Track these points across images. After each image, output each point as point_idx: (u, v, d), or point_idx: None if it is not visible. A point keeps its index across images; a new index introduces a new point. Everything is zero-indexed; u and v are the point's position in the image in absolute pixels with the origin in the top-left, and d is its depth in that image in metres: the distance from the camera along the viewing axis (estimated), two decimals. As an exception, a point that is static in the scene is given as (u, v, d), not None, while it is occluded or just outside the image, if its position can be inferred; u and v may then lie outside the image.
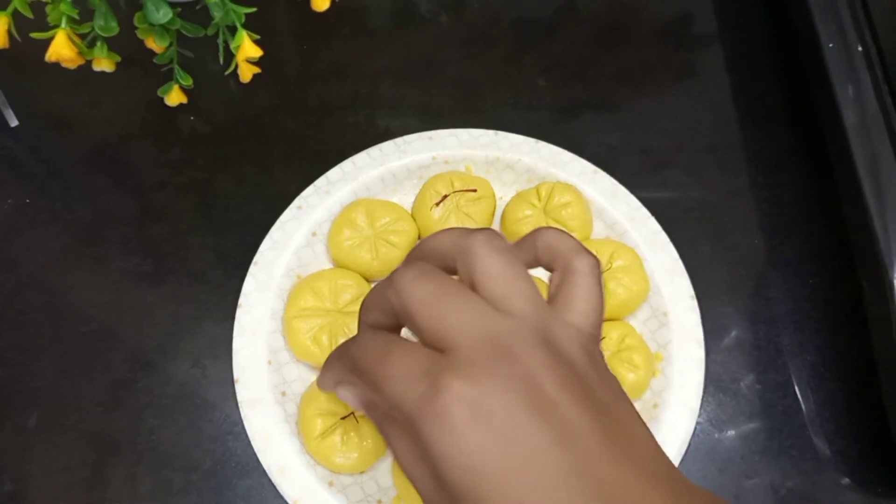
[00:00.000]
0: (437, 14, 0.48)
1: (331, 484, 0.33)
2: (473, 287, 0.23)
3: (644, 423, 0.23)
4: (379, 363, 0.23)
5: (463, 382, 0.20)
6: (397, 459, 0.23)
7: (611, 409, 0.22)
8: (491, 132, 0.42)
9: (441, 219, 0.38)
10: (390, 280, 0.24)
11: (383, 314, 0.25)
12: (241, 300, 0.37)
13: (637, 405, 0.36)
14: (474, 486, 0.20)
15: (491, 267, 0.23)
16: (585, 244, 0.38)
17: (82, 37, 0.36)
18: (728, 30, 0.48)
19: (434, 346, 0.22)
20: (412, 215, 0.40)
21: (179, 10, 0.36)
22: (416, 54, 0.47)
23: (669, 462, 0.22)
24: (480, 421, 0.20)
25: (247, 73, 0.38)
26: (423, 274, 0.23)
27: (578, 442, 0.21)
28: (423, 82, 0.46)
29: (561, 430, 0.21)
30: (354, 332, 0.35)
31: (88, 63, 0.37)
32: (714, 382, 0.37)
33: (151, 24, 0.35)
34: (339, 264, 0.38)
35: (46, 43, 0.34)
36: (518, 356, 0.21)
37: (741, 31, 0.48)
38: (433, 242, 0.25)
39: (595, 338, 0.24)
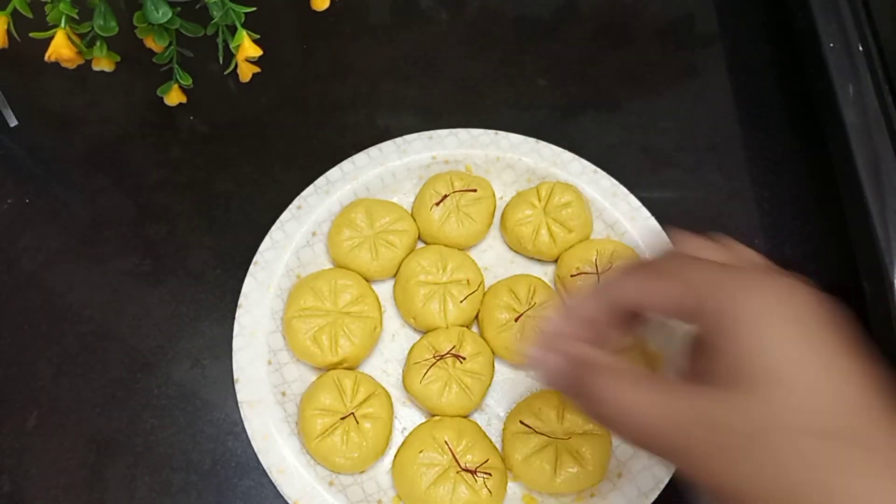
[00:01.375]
0: (438, 13, 0.48)
1: (331, 484, 0.33)
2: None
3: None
4: (690, 260, 0.24)
5: (777, 282, 0.22)
6: (627, 402, 0.22)
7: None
8: (491, 132, 0.42)
9: (441, 218, 0.38)
10: (665, 263, 0.24)
11: (665, 295, 0.23)
12: (241, 300, 0.37)
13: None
14: (789, 365, 0.20)
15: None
16: (585, 244, 0.38)
17: (82, 36, 0.36)
18: (729, 30, 0.48)
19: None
20: (412, 215, 0.40)
21: (179, 9, 0.36)
22: (416, 54, 0.47)
23: None
24: (791, 316, 0.21)
25: (246, 72, 0.38)
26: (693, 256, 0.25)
27: (865, 363, 0.21)
28: (423, 82, 0.46)
29: (851, 349, 0.21)
30: (354, 331, 0.35)
31: (88, 63, 0.37)
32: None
33: (151, 24, 0.35)
34: (338, 264, 0.38)
35: (46, 42, 0.34)
36: (807, 290, 0.22)
37: (742, 31, 0.48)
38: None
39: None
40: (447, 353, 0.35)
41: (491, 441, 0.34)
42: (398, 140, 0.41)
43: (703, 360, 0.22)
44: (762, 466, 0.20)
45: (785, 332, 0.21)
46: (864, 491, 0.19)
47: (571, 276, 0.37)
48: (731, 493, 0.20)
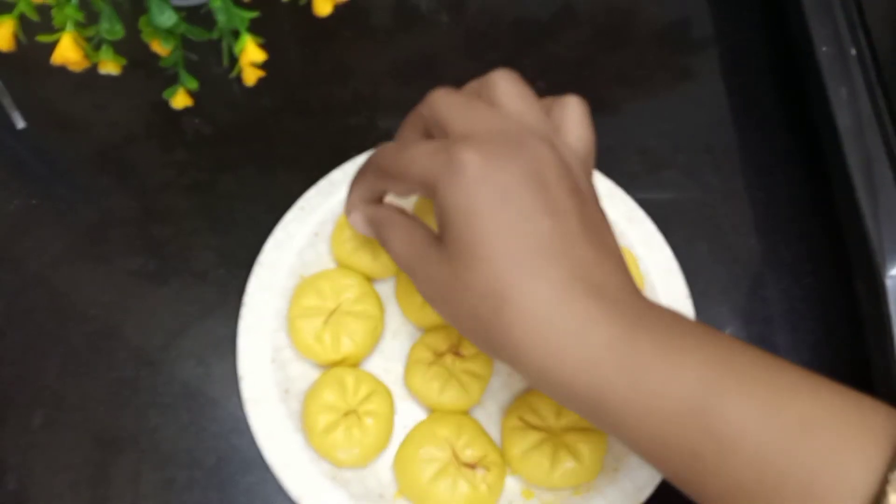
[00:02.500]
0: (437, 16, 0.49)
1: (333, 479, 0.34)
2: (493, 106, 0.27)
3: (616, 239, 0.27)
4: (403, 151, 0.27)
5: (475, 149, 0.25)
6: (394, 249, 0.28)
7: (593, 214, 0.26)
8: (490, 134, 0.42)
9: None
10: (423, 100, 0.28)
11: (413, 130, 0.29)
12: (245, 299, 0.37)
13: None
14: (472, 229, 0.24)
15: (510, 89, 0.28)
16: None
17: (88, 40, 0.36)
18: (724, 33, 0.49)
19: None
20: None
21: (184, 13, 0.36)
22: (416, 57, 0.47)
23: (628, 270, 0.26)
24: (486, 179, 0.24)
25: (251, 76, 0.38)
26: (452, 90, 0.28)
27: (564, 218, 0.24)
28: (423, 84, 0.46)
29: (551, 206, 0.24)
30: (356, 330, 0.36)
31: (94, 66, 0.37)
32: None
33: (156, 28, 0.36)
34: (341, 264, 0.39)
35: (52, 46, 0.34)
36: (526, 145, 0.25)
37: (737, 34, 0.49)
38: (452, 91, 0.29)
39: (587, 162, 0.29)
40: (447, 351, 0.35)
41: (490, 437, 0.35)
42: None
43: (437, 226, 0.26)
44: (457, 314, 0.25)
45: (473, 208, 0.24)
46: (519, 337, 0.24)
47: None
48: (446, 318, 0.26)
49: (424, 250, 0.27)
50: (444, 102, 0.27)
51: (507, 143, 0.25)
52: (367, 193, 0.31)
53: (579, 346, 0.23)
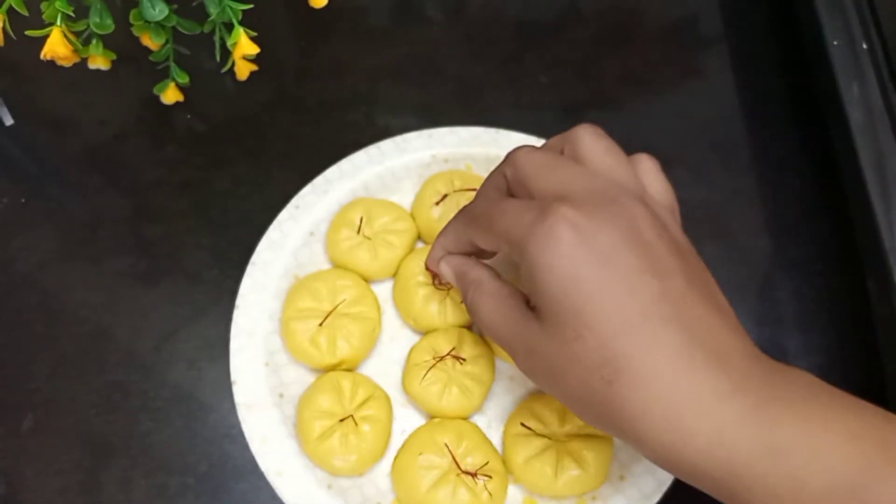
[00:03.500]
0: (438, 11, 0.48)
1: (329, 487, 0.33)
2: (580, 163, 0.26)
3: (724, 295, 0.25)
4: (495, 205, 0.26)
5: (571, 209, 0.23)
6: (484, 318, 0.27)
7: (699, 271, 0.25)
8: (492, 130, 0.41)
9: (441, 218, 0.38)
10: (505, 160, 0.28)
11: (496, 190, 0.28)
12: (238, 301, 0.37)
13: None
14: (576, 295, 0.23)
15: (596, 144, 0.26)
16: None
17: (77, 34, 0.35)
18: (733, 29, 0.48)
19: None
20: (412, 215, 0.39)
21: (175, 6, 0.35)
22: (415, 52, 0.46)
23: (742, 328, 0.24)
24: (585, 241, 0.23)
25: (244, 70, 0.37)
26: (536, 148, 0.27)
27: (671, 279, 0.23)
28: (422, 80, 0.45)
29: (656, 266, 0.23)
30: (353, 332, 0.35)
31: (84, 61, 0.36)
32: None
33: (147, 22, 0.35)
34: (337, 264, 0.38)
35: (42, 41, 0.34)
36: (621, 204, 0.24)
37: (746, 30, 0.48)
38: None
39: (676, 212, 0.28)
40: (447, 355, 0.34)
41: (491, 443, 0.34)
42: (397, 139, 0.41)
43: (531, 298, 0.25)
44: (565, 388, 0.24)
45: (572, 275, 0.23)
46: (636, 412, 0.22)
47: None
48: (554, 394, 0.25)
49: (520, 322, 0.25)
50: (528, 161, 0.26)
51: (601, 203, 0.24)
52: (453, 242, 0.30)
53: (708, 421, 0.21)
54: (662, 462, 0.23)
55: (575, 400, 0.24)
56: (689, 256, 0.25)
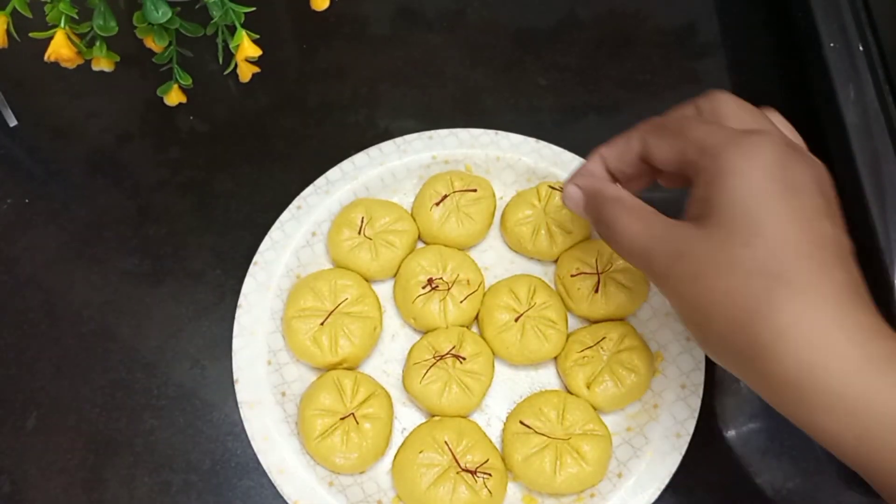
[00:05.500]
0: (438, 18, 0.48)
1: (331, 484, 0.33)
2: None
3: None
4: (690, 120, 0.27)
5: (775, 138, 0.25)
6: (624, 231, 0.28)
7: (848, 241, 0.26)
8: (491, 132, 0.42)
9: (441, 219, 0.38)
10: (702, 96, 0.29)
11: (690, 110, 0.29)
12: (241, 300, 0.37)
13: (637, 405, 0.36)
14: (760, 206, 0.24)
15: (770, 114, 0.29)
16: (585, 244, 0.38)
17: (81, 36, 0.36)
18: (730, 32, 0.48)
19: None
20: (412, 215, 0.40)
21: (178, 9, 0.36)
22: (415, 57, 0.47)
23: None
24: (784, 167, 0.24)
25: (246, 72, 0.38)
26: (731, 94, 0.28)
27: (841, 232, 0.25)
28: (423, 82, 0.46)
29: (833, 216, 0.25)
30: (354, 331, 0.35)
31: (87, 63, 0.37)
32: (714, 383, 0.37)
33: (150, 24, 0.35)
34: (338, 264, 0.38)
35: (46, 42, 0.34)
36: (814, 161, 0.26)
37: (743, 33, 0.48)
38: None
39: None
40: (447, 354, 0.35)
41: (491, 441, 0.34)
42: (398, 140, 0.41)
43: (694, 207, 0.26)
44: (712, 291, 0.24)
45: (764, 187, 0.24)
46: (788, 322, 0.23)
47: (571, 276, 0.37)
48: (686, 305, 0.25)
49: (669, 228, 0.26)
50: (728, 100, 0.28)
51: (799, 150, 0.26)
52: (618, 151, 0.30)
53: (859, 352, 0.22)
54: (791, 385, 0.23)
55: (715, 305, 0.24)
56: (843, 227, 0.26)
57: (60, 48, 0.34)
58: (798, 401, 0.23)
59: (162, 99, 0.40)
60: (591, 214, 0.30)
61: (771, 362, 0.23)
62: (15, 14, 0.34)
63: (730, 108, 0.28)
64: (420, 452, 0.33)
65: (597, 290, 0.36)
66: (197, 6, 0.37)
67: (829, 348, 0.22)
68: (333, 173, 0.40)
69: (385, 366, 0.37)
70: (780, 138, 0.26)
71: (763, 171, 0.24)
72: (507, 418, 0.35)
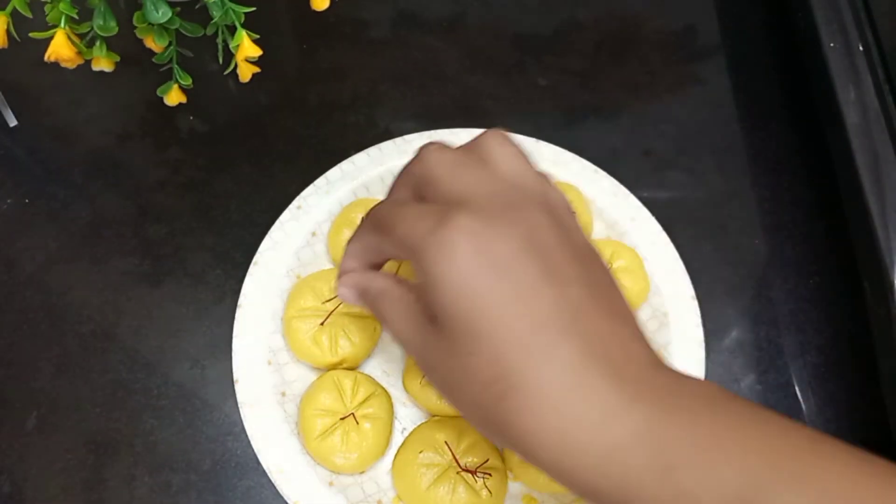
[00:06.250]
0: (438, 22, 0.48)
1: (331, 484, 0.33)
2: (489, 166, 0.26)
3: (625, 297, 0.25)
4: (397, 209, 0.25)
5: (469, 217, 0.22)
6: (392, 327, 0.26)
7: (601, 277, 0.24)
8: (491, 132, 0.41)
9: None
10: (416, 156, 0.27)
11: (405, 188, 0.28)
12: (241, 300, 0.37)
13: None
14: (469, 309, 0.22)
15: (503, 149, 0.26)
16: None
17: (81, 36, 0.36)
18: (730, 33, 0.48)
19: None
20: (412, 215, 0.40)
21: (178, 9, 0.36)
22: (416, 58, 0.47)
23: (644, 335, 0.24)
24: (481, 251, 0.22)
25: (246, 72, 0.38)
26: (447, 148, 0.26)
27: (569, 287, 0.22)
28: (423, 82, 0.46)
29: (554, 274, 0.22)
30: (354, 332, 0.35)
31: (87, 63, 0.37)
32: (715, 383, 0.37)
33: (150, 24, 0.35)
34: (338, 264, 0.38)
35: (46, 43, 0.34)
36: (523, 210, 0.23)
37: (743, 33, 0.48)
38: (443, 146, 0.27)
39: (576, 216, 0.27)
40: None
41: (491, 441, 0.34)
42: (398, 140, 0.41)
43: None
44: (461, 403, 0.23)
45: (470, 285, 0.22)
46: (533, 428, 0.21)
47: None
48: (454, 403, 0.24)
49: (421, 335, 0.24)
50: (438, 161, 0.26)
51: (501, 208, 0.23)
52: (362, 250, 0.28)
53: (600, 438, 0.21)
54: (558, 478, 0.22)
55: (471, 415, 0.23)
56: (591, 262, 0.24)
57: (60, 48, 0.34)
58: (571, 488, 0.22)
59: (162, 99, 0.40)
60: (367, 307, 0.28)
61: (535, 461, 0.22)
62: (15, 14, 0.34)
63: (494, 154, 0.25)
64: (420, 452, 0.33)
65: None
66: (197, 6, 0.37)
67: (574, 446, 0.21)
68: (333, 173, 0.40)
69: (385, 366, 0.37)
70: (474, 215, 0.22)
71: (464, 267, 0.22)
72: (508, 418, 0.35)
